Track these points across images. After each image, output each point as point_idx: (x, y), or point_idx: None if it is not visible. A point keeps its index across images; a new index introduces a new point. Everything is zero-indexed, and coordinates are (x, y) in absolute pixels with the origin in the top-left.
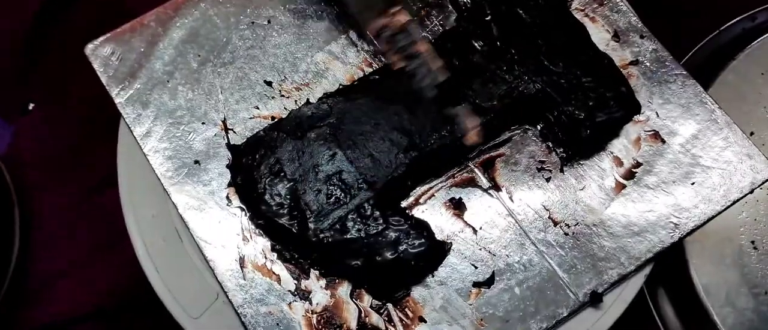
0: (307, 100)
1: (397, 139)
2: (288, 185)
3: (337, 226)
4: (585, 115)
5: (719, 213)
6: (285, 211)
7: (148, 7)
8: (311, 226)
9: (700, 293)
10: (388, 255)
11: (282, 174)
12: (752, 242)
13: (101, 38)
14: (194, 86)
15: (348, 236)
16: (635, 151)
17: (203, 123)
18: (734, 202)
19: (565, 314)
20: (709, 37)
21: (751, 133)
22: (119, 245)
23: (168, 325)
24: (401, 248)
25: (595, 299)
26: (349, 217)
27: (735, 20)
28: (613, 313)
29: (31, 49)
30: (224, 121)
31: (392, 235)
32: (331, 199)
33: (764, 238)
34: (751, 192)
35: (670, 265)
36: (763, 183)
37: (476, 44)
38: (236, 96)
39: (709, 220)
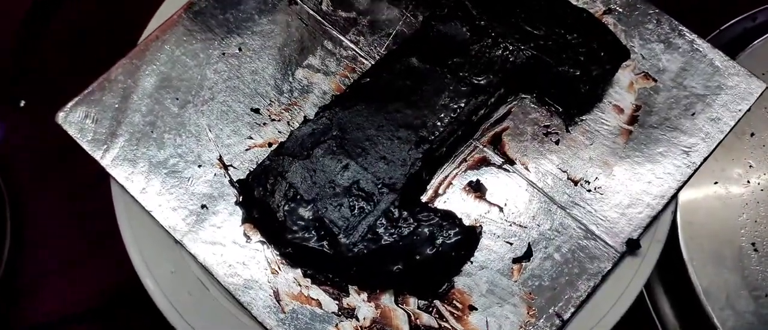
0: (305, 117)
1: (405, 136)
2: (308, 207)
3: (369, 235)
4: (580, 72)
5: (726, 135)
6: (312, 234)
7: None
8: (343, 241)
9: (700, 295)
10: (428, 251)
11: (298, 197)
12: (753, 244)
13: (70, 104)
14: (180, 131)
15: (383, 243)
16: (632, 96)
17: (199, 166)
18: (737, 123)
19: (609, 267)
20: (709, 37)
21: (752, 134)
22: (113, 243)
23: (163, 323)
24: (438, 242)
25: (632, 246)
26: (379, 223)
27: (735, 20)
28: (615, 314)
29: (23, 46)
30: (221, 159)
31: (426, 231)
32: (356, 211)
33: (765, 240)
34: (749, 110)
35: (669, 267)
36: (757, 99)
37: (458, 25)
38: (226, 131)
39: (718, 144)
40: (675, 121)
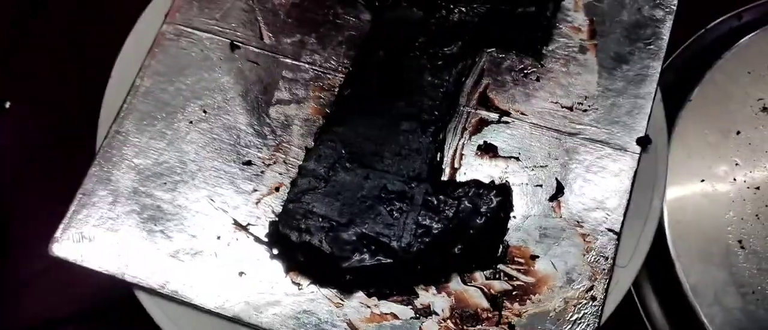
0: (306, 148)
1: (408, 127)
2: (350, 230)
3: (420, 231)
4: (535, 7)
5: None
6: (365, 253)
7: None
8: (398, 247)
9: (687, 293)
10: (478, 222)
11: (336, 224)
12: (739, 241)
13: (58, 231)
14: (183, 214)
15: (435, 232)
16: (581, 14)
17: (219, 238)
18: None
19: (636, 168)
20: (695, 35)
21: (738, 132)
22: None
23: (151, 326)
24: (483, 210)
25: (644, 143)
26: (422, 215)
27: (721, 19)
28: (604, 313)
29: (6, 47)
30: (236, 223)
31: (468, 204)
32: (396, 213)
33: (751, 237)
34: None
35: (657, 266)
36: None
37: (407, 9)
38: (229, 194)
39: (674, 16)
40: (627, 20)
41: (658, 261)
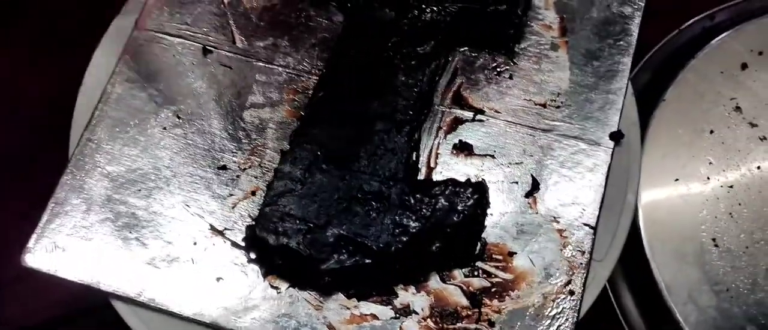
0: (281, 151)
1: (383, 127)
2: (327, 232)
3: (397, 230)
4: (507, 5)
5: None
6: (344, 254)
7: None
8: (374, 246)
9: (662, 291)
10: (455, 219)
11: (313, 226)
12: (713, 240)
13: (31, 241)
14: (159, 220)
15: (412, 231)
16: (552, 12)
17: (195, 243)
18: None
19: (610, 162)
20: (668, 36)
21: (711, 132)
22: None
23: None
24: (460, 208)
25: (616, 137)
26: (399, 214)
27: (694, 19)
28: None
29: None
30: (213, 228)
31: (445, 203)
32: (373, 214)
33: (725, 236)
34: None
35: (632, 264)
36: None
37: (379, 10)
38: (204, 199)
39: (642, 13)
40: (597, 18)
41: (633, 260)
